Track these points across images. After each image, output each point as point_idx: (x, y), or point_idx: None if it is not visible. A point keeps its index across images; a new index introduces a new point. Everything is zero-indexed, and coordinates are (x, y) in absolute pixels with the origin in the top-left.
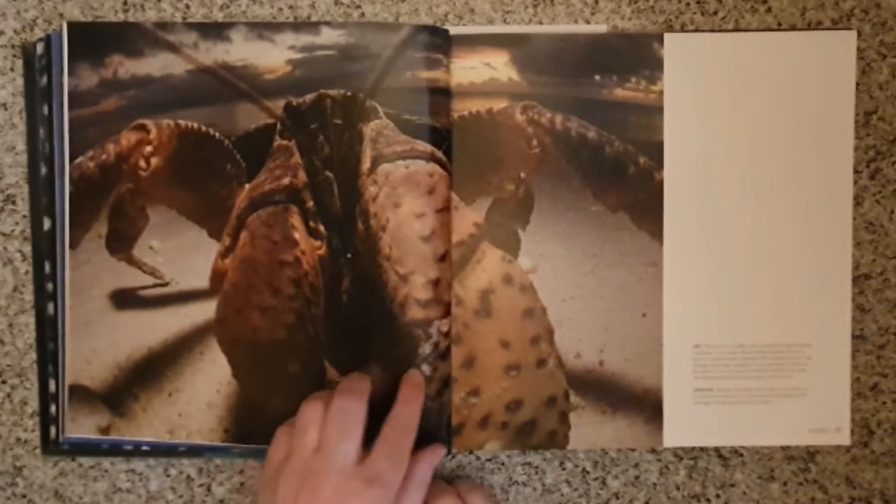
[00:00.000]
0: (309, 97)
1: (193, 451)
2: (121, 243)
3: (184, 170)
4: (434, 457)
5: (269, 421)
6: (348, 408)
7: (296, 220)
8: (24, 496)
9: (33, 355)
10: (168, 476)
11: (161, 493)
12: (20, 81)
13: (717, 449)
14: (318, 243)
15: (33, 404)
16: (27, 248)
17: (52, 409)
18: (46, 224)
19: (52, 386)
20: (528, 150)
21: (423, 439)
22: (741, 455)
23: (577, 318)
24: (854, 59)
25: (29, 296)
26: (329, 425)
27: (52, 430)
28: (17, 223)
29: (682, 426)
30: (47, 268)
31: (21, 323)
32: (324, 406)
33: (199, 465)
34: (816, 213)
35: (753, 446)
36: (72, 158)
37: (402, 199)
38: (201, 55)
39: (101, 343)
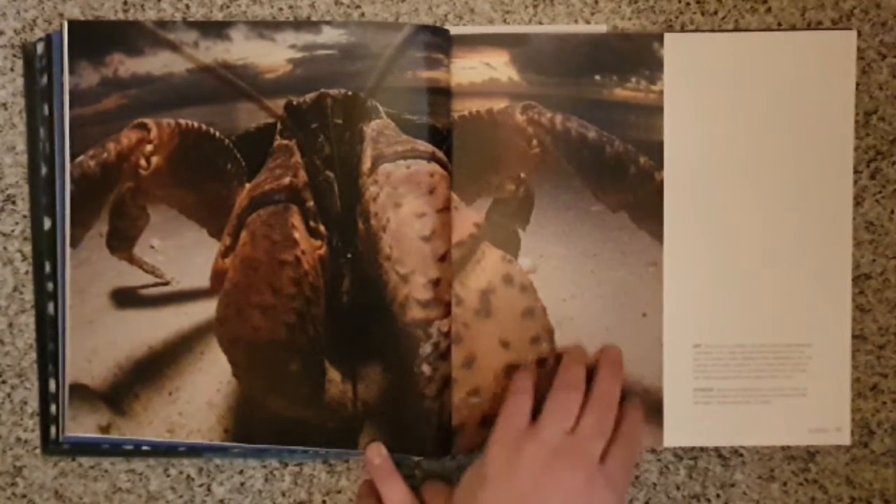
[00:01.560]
0: (310, 96)
1: (193, 451)
2: (121, 242)
3: (184, 169)
4: (637, 416)
5: (269, 420)
6: (606, 412)
7: (296, 219)
8: (24, 496)
9: (33, 355)
10: (168, 476)
11: (161, 493)
12: (20, 81)
13: (717, 449)
14: (318, 243)
15: (33, 404)
16: (27, 248)
17: (53, 408)
18: (47, 224)
19: (52, 386)
20: (528, 150)
21: (425, 439)
22: (741, 455)
23: (577, 317)
24: (854, 59)
25: (29, 296)
26: (588, 419)
27: (53, 430)
28: (17, 223)
29: (682, 426)
30: (47, 268)
31: (21, 323)
32: (577, 396)
33: (199, 465)
34: (816, 213)
35: (753, 446)
36: (72, 157)
37: (403, 199)
38: (202, 54)
39: (101, 342)
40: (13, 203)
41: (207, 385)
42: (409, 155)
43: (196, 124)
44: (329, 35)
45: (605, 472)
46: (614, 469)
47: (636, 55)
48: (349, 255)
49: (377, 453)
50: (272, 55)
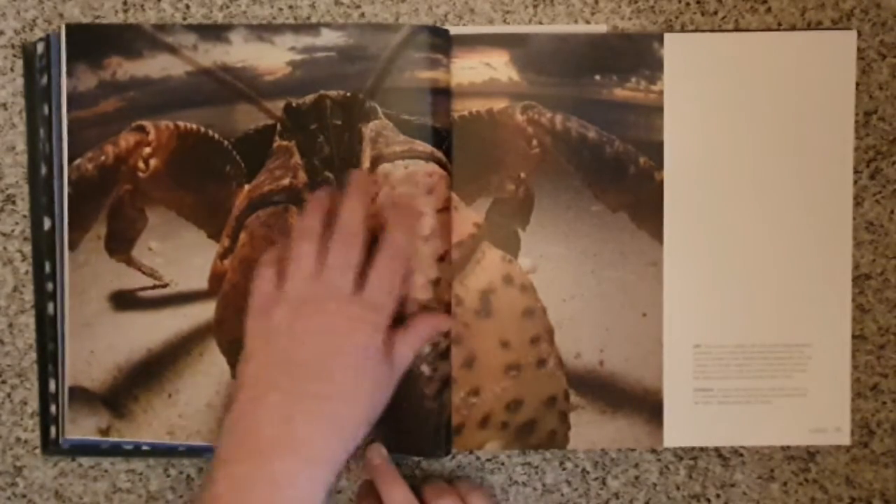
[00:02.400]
0: (309, 98)
1: (193, 451)
2: (120, 244)
3: (183, 171)
4: (440, 323)
5: None
6: (347, 240)
7: (295, 220)
8: (24, 496)
9: (33, 355)
10: (168, 476)
11: (161, 493)
12: (20, 81)
13: (717, 449)
14: None
15: (33, 404)
16: (27, 248)
17: (53, 409)
18: (46, 224)
19: (52, 386)
20: (528, 150)
21: (424, 439)
22: (741, 455)
23: (577, 318)
24: (854, 59)
25: (29, 296)
26: (331, 255)
27: (53, 430)
28: (17, 223)
29: (682, 426)
30: (47, 268)
31: (21, 323)
32: (317, 238)
33: (199, 464)
34: (816, 213)
35: (753, 446)
36: (71, 160)
37: (402, 200)
38: (200, 56)
39: (100, 344)
40: (13, 203)
41: (207, 387)
42: (407, 155)
43: (195, 126)
44: (328, 37)
45: (361, 300)
46: (373, 292)
47: (636, 55)
48: None
49: (377, 454)
50: (271, 57)
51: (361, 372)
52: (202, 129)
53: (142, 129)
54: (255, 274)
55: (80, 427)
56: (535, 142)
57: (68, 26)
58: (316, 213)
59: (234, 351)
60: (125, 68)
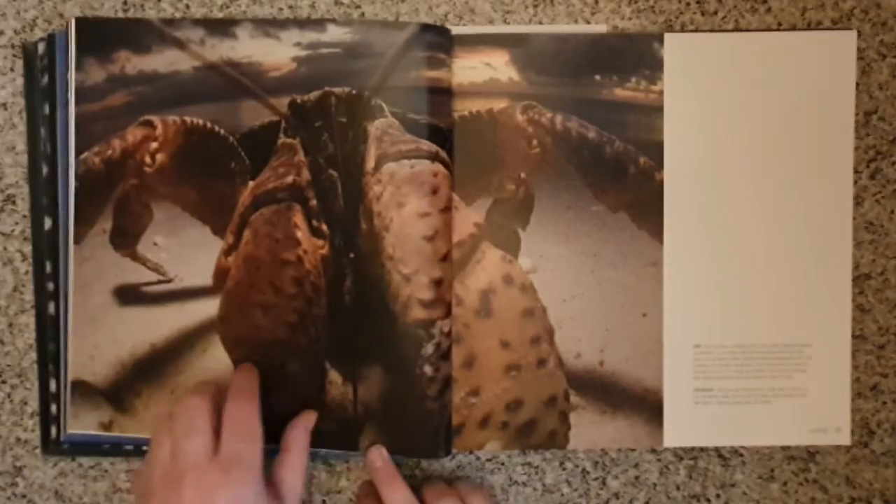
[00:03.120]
0: (314, 95)
1: None
2: (125, 239)
3: (189, 166)
4: (307, 421)
5: (271, 419)
6: (190, 405)
7: (299, 218)
8: (24, 496)
9: (33, 355)
10: None
11: None
12: (20, 81)
13: (717, 449)
14: (320, 242)
15: (33, 404)
16: (27, 248)
17: (53, 408)
18: (47, 224)
19: (52, 386)
20: (528, 150)
21: (426, 440)
22: (741, 455)
23: (577, 318)
24: (854, 59)
25: (29, 296)
26: (175, 427)
27: (53, 430)
28: (17, 223)
29: (682, 426)
30: (48, 268)
31: (21, 323)
32: (169, 415)
33: None
34: (816, 213)
35: (753, 446)
36: (77, 154)
37: (406, 199)
38: (207, 52)
39: (103, 339)
40: (13, 203)
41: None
42: (412, 154)
43: (201, 122)
44: (334, 33)
45: (218, 460)
46: (230, 447)
47: (636, 55)
48: (351, 255)
49: (378, 456)
50: (277, 53)
51: None
52: (208, 125)
53: (149, 123)
54: (137, 472)
55: (82, 421)
56: (535, 142)
57: (78, 20)
58: (163, 403)
59: (237, 348)
60: (133, 63)
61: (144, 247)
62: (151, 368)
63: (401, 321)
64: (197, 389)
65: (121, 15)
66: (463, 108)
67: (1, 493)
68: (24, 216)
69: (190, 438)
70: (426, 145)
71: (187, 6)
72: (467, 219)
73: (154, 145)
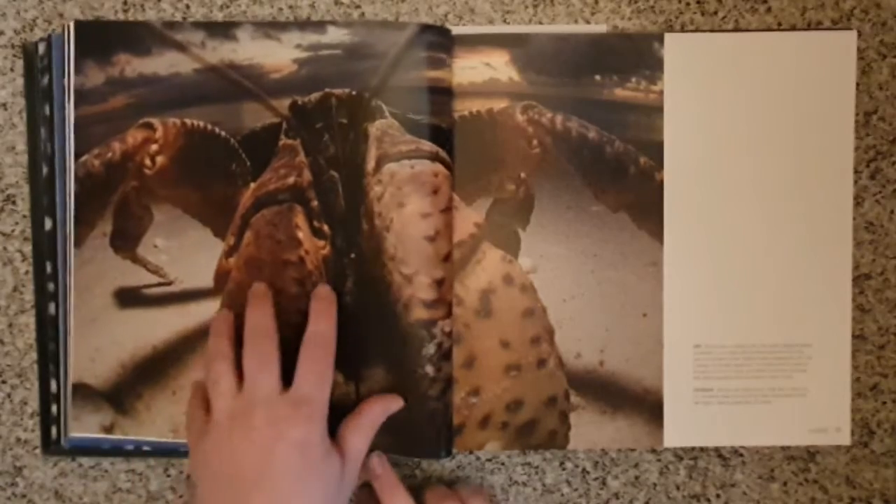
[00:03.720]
0: (314, 96)
1: (185, 448)
2: (125, 241)
3: (189, 168)
4: (390, 402)
5: None
6: (259, 343)
7: (300, 219)
8: (24, 496)
9: (33, 355)
10: (168, 476)
11: (161, 493)
12: (20, 81)
13: (717, 449)
14: (321, 243)
15: (33, 404)
16: (27, 248)
17: (53, 409)
18: (48, 224)
19: (52, 386)
20: (528, 150)
21: (428, 441)
22: (741, 455)
23: (577, 318)
24: (854, 59)
25: (29, 296)
26: (246, 363)
27: (53, 430)
28: (17, 223)
29: (682, 426)
30: (48, 268)
31: (21, 323)
32: (230, 355)
33: None
34: (816, 213)
35: (753, 446)
36: (77, 156)
37: (408, 199)
38: (208, 54)
39: (104, 341)
40: (13, 203)
41: None
42: (413, 155)
43: (202, 124)
44: (334, 35)
45: (289, 397)
46: (301, 388)
47: (636, 55)
48: (352, 256)
49: (378, 463)
50: (278, 55)
51: (305, 471)
52: (209, 127)
53: (149, 126)
54: (188, 405)
55: (84, 424)
56: (535, 142)
57: (77, 23)
58: (221, 332)
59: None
60: (134, 65)
61: (145, 249)
62: (152, 370)
63: (402, 321)
64: (262, 328)
65: (120, 15)
66: (463, 108)
67: (1, 493)
68: (24, 216)
69: (262, 374)
70: (426, 145)
71: (187, 6)
72: (467, 219)
73: (154, 147)
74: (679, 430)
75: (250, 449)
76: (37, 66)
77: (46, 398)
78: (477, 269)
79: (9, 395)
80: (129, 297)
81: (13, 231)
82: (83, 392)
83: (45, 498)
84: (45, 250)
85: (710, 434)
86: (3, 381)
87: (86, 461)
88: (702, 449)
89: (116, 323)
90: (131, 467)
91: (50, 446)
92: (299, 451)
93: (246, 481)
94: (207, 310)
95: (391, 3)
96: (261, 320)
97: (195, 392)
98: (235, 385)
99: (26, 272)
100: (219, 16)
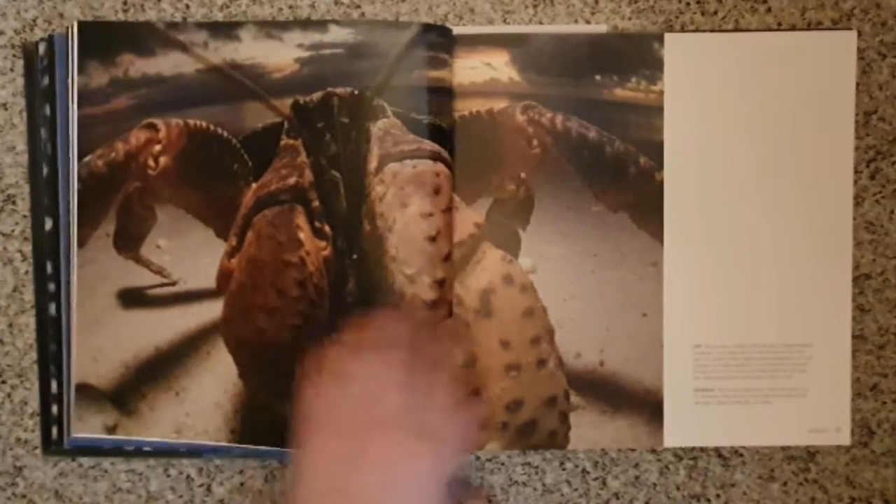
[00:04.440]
0: (316, 96)
1: (193, 451)
2: (128, 242)
3: (192, 169)
4: (482, 416)
5: (274, 424)
6: (441, 379)
7: (301, 220)
8: (24, 496)
9: (33, 355)
10: (168, 476)
11: (161, 493)
12: (20, 81)
13: (717, 449)
14: (323, 244)
15: (33, 404)
16: (27, 248)
17: (54, 409)
18: (48, 224)
19: (53, 386)
20: (528, 150)
21: None
22: (741, 455)
23: (577, 318)
24: (854, 59)
25: (29, 296)
26: (412, 388)
27: (54, 431)
28: (17, 223)
29: (682, 426)
30: (49, 268)
31: (21, 323)
32: (361, 355)
33: (199, 465)
34: (816, 213)
35: (753, 446)
36: (81, 157)
37: (410, 199)
38: (211, 54)
39: (108, 342)
40: (13, 203)
41: (214, 386)
42: (415, 154)
43: (204, 124)
44: (336, 34)
45: (427, 432)
46: (438, 427)
47: (636, 55)
48: (354, 257)
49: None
50: (280, 54)
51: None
52: (212, 127)
53: (152, 126)
54: (305, 387)
55: (87, 424)
56: (535, 142)
57: (80, 23)
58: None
59: (240, 351)
60: (137, 66)
61: (148, 249)
62: (156, 371)
63: None
64: (445, 366)
65: (120, 14)
66: (463, 108)
67: (1, 493)
68: (24, 216)
69: (417, 404)
70: (428, 145)
71: (187, 6)
72: (467, 219)
73: (157, 148)
74: (679, 430)
75: (376, 467)
76: (37, 66)
77: (47, 398)
78: (477, 269)
79: (9, 395)
80: (132, 298)
81: (13, 231)
82: (86, 393)
83: (45, 498)
84: (45, 250)
85: (710, 434)
86: (3, 381)
87: (86, 461)
88: (702, 449)
89: (119, 323)
90: (131, 467)
91: (50, 446)
92: (419, 488)
93: (362, 495)
94: (210, 310)
95: (391, 3)
96: (442, 360)
97: (314, 381)
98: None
99: (26, 272)
100: (219, 15)
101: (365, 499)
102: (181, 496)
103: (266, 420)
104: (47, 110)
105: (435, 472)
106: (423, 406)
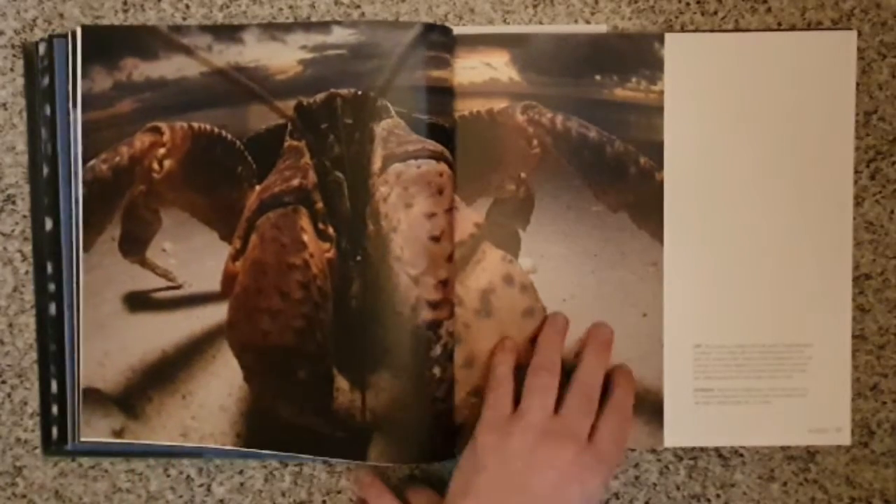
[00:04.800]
0: (319, 97)
1: (193, 451)
2: (134, 246)
3: (196, 172)
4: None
5: (280, 427)
6: (590, 393)
7: (304, 221)
8: (24, 496)
9: (33, 355)
10: (168, 476)
11: (161, 493)
12: (20, 81)
13: (717, 449)
14: (326, 246)
15: (33, 404)
16: (27, 248)
17: (54, 409)
18: (48, 224)
19: (53, 386)
20: (528, 150)
21: (435, 443)
22: (741, 455)
23: (577, 318)
24: (854, 59)
25: (29, 296)
26: (570, 400)
27: (54, 431)
28: (17, 223)
29: (683, 426)
30: (49, 268)
31: (21, 323)
32: (554, 375)
33: (199, 465)
34: (816, 213)
35: (753, 446)
36: (85, 161)
37: (414, 200)
38: (215, 57)
39: (114, 346)
40: (13, 203)
41: (220, 389)
42: (419, 154)
43: (208, 127)
44: (339, 35)
45: (595, 450)
46: (604, 445)
47: (636, 55)
48: (358, 258)
49: (365, 473)
50: (283, 56)
51: None
52: (216, 130)
53: (156, 129)
54: (490, 391)
55: (95, 429)
56: (535, 142)
57: (84, 27)
58: (555, 348)
59: (245, 354)
60: (141, 69)
61: (153, 253)
62: (162, 375)
63: (410, 324)
64: (596, 382)
65: (120, 14)
66: (463, 108)
67: (1, 493)
68: (24, 216)
69: (582, 418)
70: (432, 145)
71: (187, 6)
72: (467, 219)
73: (162, 151)
74: (679, 430)
75: (553, 471)
76: (37, 66)
77: (47, 398)
78: (477, 269)
79: (9, 395)
80: (138, 302)
81: (13, 231)
82: (93, 397)
83: (45, 498)
84: (45, 251)
85: (710, 434)
86: (3, 382)
87: (86, 461)
88: (702, 449)
89: (126, 327)
90: (131, 467)
91: (50, 446)
92: (584, 501)
93: (536, 495)
94: (215, 313)
95: (391, 3)
96: (594, 375)
97: (502, 392)
98: (554, 406)
99: (26, 272)
100: (219, 15)
101: (538, 498)
102: (181, 496)
103: (271, 425)
104: (47, 110)
105: (599, 490)
106: (603, 439)
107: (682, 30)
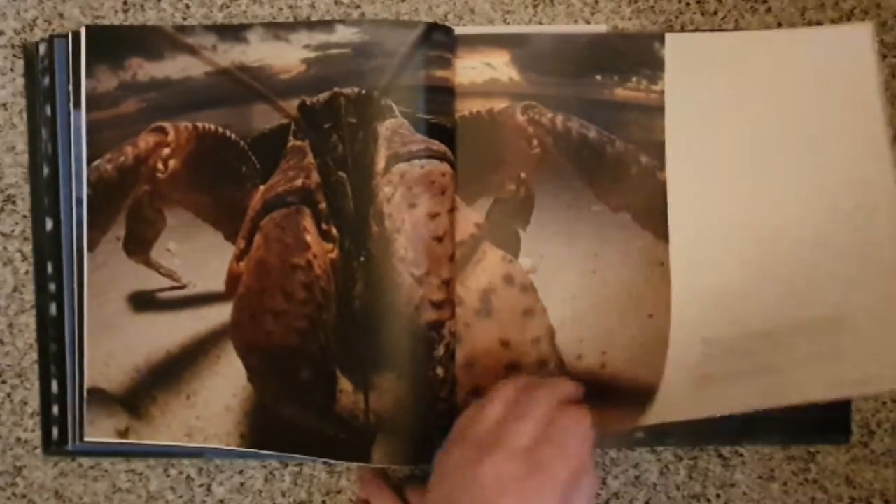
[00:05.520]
0: (323, 96)
1: (194, 451)
2: (138, 246)
3: (201, 172)
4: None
5: (283, 428)
6: (534, 407)
7: (308, 222)
8: (24, 496)
9: (33, 355)
10: (168, 476)
11: (161, 493)
12: (20, 81)
13: (717, 449)
14: (329, 246)
15: (33, 404)
16: (27, 248)
17: (54, 409)
18: (48, 224)
19: (53, 386)
20: (528, 149)
21: (438, 443)
22: (741, 455)
23: (578, 318)
24: (873, 53)
25: (29, 296)
26: (514, 409)
27: (54, 431)
28: (17, 223)
29: (679, 409)
30: (49, 268)
31: (21, 323)
32: (514, 389)
33: (200, 465)
34: (818, 212)
35: (753, 446)
36: (90, 161)
37: (418, 200)
38: (219, 57)
39: (118, 346)
40: (13, 203)
41: (224, 389)
42: (423, 154)
43: (213, 127)
44: (342, 34)
45: (531, 458)
46: (543, 452)
47: (637, 55)
48: (361, 258)
49: (368, 471)
50: (287, 56)
51: None
52: (220, 130)
53: (161, 129)
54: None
55: (99, 429)
56: (535, 142)
57: (88, 28)
58: (531, 400)
59: (249, 354)
60: (146, 69)
61: (158, 253)
62: (167, 375)
63: (414, 324)
64: (544, 406)
65: (120, 14)
66: (463, 108)
67: (1, 493)
68: (25, 216)
69: (521, 425)
70: (435, 145)
71: (187, 6)
72: (468, 219)
73: (166, 151)
74: (674, 416)
75: (475, 486)
76: (37, 66)
77: (47, 398)
78: (477, 269)
79: (9, 395)
80: (142, 302)
81: (13, 231)
82: (98, 397)
83: (45, 498)
84: (45, 251)
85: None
86: (3, 381)
87: (86, 461)
88: (702, 449)
89: (130, 327)
90: (131, 467)
91: (50, 447)
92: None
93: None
94: (220, 314)
95: (391, 3)
96: (545, 399)
97: (474, 404)
98: (500, 419)
99: (26, 272)
100: (219, 15)
101: None
102: (181, 496)
103: (275, 426)
104: (48, 110)
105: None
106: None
107: (683, 30)
